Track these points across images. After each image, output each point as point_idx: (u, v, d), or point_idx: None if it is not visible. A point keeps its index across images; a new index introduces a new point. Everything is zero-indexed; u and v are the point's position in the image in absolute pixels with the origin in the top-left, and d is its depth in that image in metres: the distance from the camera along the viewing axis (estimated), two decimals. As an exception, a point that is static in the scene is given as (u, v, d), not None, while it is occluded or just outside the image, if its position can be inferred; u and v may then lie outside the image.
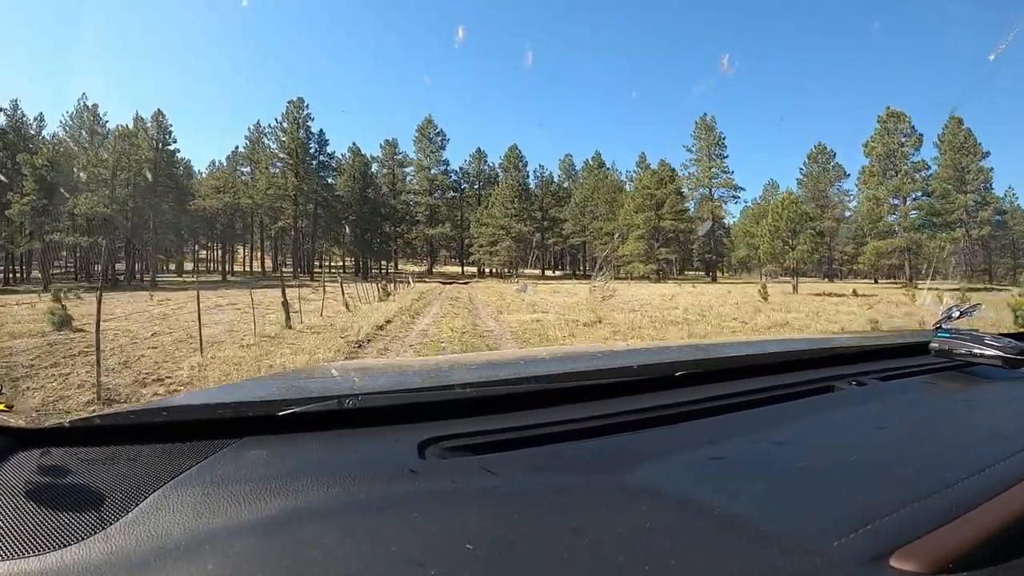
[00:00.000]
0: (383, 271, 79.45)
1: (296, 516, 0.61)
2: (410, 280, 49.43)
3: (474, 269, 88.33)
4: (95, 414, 0.81)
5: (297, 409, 0.83)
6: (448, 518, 0.61)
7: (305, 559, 0.53)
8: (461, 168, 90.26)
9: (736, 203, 79.27)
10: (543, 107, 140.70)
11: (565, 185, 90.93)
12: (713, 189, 76.55)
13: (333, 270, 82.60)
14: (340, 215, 76.01)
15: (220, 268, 71.70)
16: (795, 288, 40.24)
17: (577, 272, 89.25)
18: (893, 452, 0.87)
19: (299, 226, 73.39)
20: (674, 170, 71.71)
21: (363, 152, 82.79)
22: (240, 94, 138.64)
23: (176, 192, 64.69)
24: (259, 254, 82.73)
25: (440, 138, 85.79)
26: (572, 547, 0.56)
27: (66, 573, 0.55)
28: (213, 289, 39.09)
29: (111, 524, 0.60)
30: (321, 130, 75.55)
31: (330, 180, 78.57)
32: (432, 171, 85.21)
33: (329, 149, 76.52)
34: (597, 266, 67.96)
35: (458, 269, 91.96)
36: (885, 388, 1.25)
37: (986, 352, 1.31)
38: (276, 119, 73.75)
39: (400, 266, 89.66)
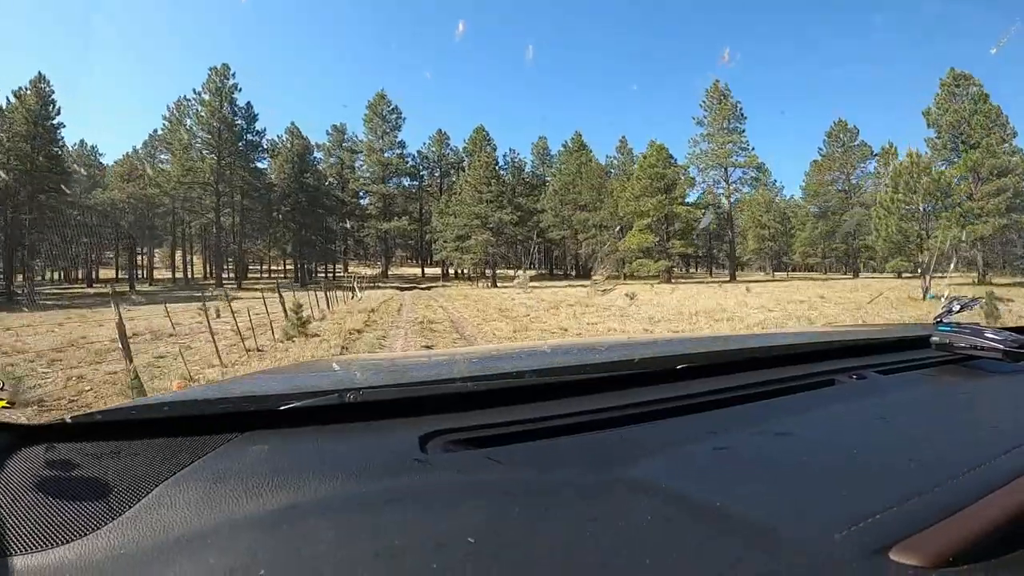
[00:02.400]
0: (328, 275, 67.34)
1: (298, 510, 0.61)
2: (356, 288, 38.08)
3: (437, 270, 76.80)
4: (97, 410, 0.82)
5: (298, 404, 0.84)
6: (450, 512, 0.62)
7: (307, 553, 0.54)
8: (420, 152, 79.28)
9: (756, 186, 66.90)
10: (513, 88, 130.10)
11: (539, 172, 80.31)
12: (730, 169, 64.75)
13: (274, 275, 70.50)
14: (274, 207, 63.64)
15: (129, 275, 58.51)
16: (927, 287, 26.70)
17: (556, 272, 78.37)
18: (894, 446, 0.88)
19: (221, 222, 60.75)
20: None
21: (304, 136, 70.62)
22: (167, 72, 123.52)
23: (62, 180, 51.32)
24: (183, 257, 69.35)
25: (395, 116, 74.48)
26: (574, 541, 0.57)
27: (69, 569, 0.56)
28: (94, 307, 28.38)
29: (114, 519, 0.61)
30: (249, 103, 63.12)
31: (262, 165, 66.53)
32: (386, 154, 73.55)
33: (260, 126, 64.03)
34: (599, 263, 57.20)
35: (418, 271, 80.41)
36: (886, 382, 1.26)
37: (987, 346, 1.31)
38: (195, 90, 60.70)
39: (351, 268, 77.83)
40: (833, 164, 65.75)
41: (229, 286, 52.15)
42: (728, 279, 58.49)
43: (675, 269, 59.65)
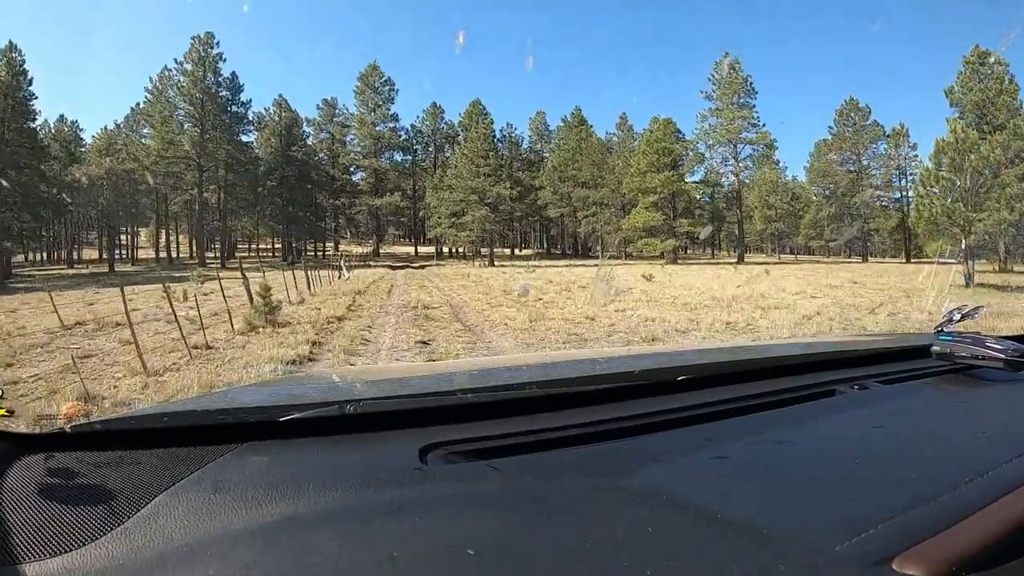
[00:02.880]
0: (318, 254, 65.12)
1: (297, 522, 0.61)
2: (344, 268, 35.59)
3: (430, 249, 74.40)
4: (96, 419, 0.83)
5: (298, 415, 0.84)
6: (450, 523, 0.62)
7: (306, 565, 0.54)
8: (413, 126, 76.28)
9: (765, 164, 62.86)
10: (509, 62, 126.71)
11: (537, 148, 77.46)
12: (739, 145, 61.32)
13: (263, 254, 67.99)
14: (260, 183, 61.10)
15: (109, 255, 55.78)
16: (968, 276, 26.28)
17: (553, 251, 76.01)
18: (895, 456, 0.89)
19: (205, 198, 58.14)
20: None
21: (292, 108, 67.59)
22: (155, 45, 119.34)
23: (35, 156, 48.40)
24: (167, 236, 66.43)
25: (388, 89, 71.18)
26: (575, 551, 0.57)
27: None
28: (64, 290, 26.56)
29: (113, 529, 0.61)
30: (234, 73, 59.75)
31: (249, 139, 63.71)
32: (378, 128, 70.47)
33: (245, 97, 60.81)
34: (598, 242, 54.67)
35: (411, 249, 77.98)
36: (887, 392, 1.27)
37: (988, 355, 1.31)
38: (176, 60, 57.52)
39: (342, 247, 75.33)
40: (844, 144, 62.72)
41: (214, 266, 50.04)
42: (736, 260, 56.28)
43: (680, 250, 57.18)
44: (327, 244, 75.46)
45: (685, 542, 0.59)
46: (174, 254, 64.95)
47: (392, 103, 71.33)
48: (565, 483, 0.73)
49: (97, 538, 0.60)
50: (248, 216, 63.86)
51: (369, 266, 52.33)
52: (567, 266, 45.81)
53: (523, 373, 1.41)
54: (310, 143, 70.81)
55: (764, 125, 61.26)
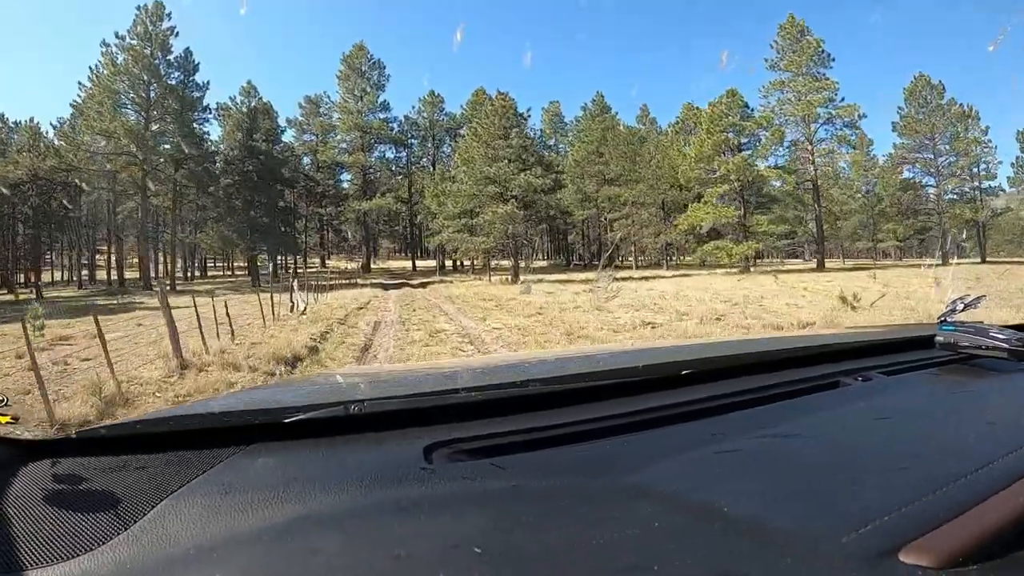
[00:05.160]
0: (298, 270, 53.88)
1: (304, 522, 0.62)
2: (297, 295, 21.84)
3: (430, 263, 63.39)
4: (102, 424, 0.84)
5: (303, 416, 0.85)
6: (457, 521, 0.62)
7: (313, 566, 0.55)
8: (408, 118, 65.75)
9: (848, 148, 50.29)
10: (516, 47, 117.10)
11: (551, 144, 66.87)
12: (812, 124, 48.47)
13: (240, 272, 56.89)
14: (214, 183, 49.43)
15: (35, 275, 44.40)
16: None
17: (575, 263, 64.79)
18: (900, 447, 0.89)
19: (149, 203, 46.73)
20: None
21: (262, 96, 56.55)
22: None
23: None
24: (118, 252, 54.65)
25: (377, 74, 60.84)
26: (581, 548, 0.57)
27: None
28: None
29: (119, 534, 0.62)
30: (188, 50, 48.58)
31: (211, 131, 52.72)
32: (366, 118, 59.84)
33: (202, 78, 49.65)
34: (630, 248, 42.86)
35: (407, 264, 66.87)
36: (891, 383, 1.27)
37: (992, 345, 1.32)
38: (117, 33, 46.27)
39: (332, 262, 64.39)
40: (920, 127, 52.50)
41: (179, 287, 39.50)
42: (816, 267, 45.00)
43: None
44: (308, 259, 64.47)
45: (691, 538, 0.59)
46: (113, 275, 52.67)
47: (382, 90, 61.22)
48: (570, 480, 0.73)
49: (105, 542, 0.61)
50: (206, 225, 52.04)
51: (357, 284, 41.33)
52: (625, 279, 35.05)
53: (526, 371, 1.45)
54: (286, 140, 60.02)
55: (843, 99, 48.64)
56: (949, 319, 1.50)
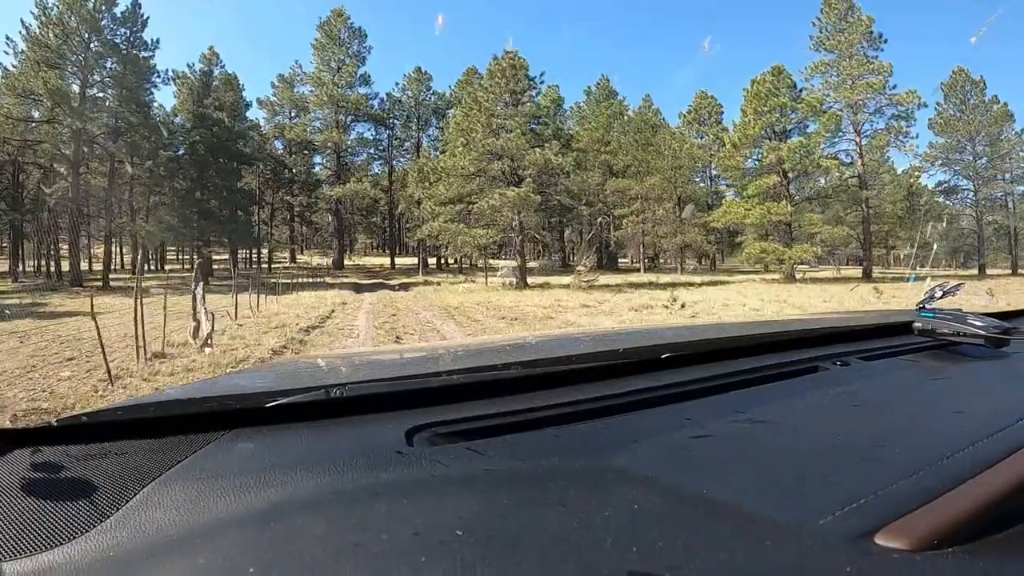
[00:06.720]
0: (256, 265, 46.92)
1: (286, 507, 0.63)
2: (203, 312, 14.20)
3: (411, 260, 56.77)
4: (82, 412, 0.84)
5: (284, 400, 0.85)
6: (437, 504, 0.63)
7: (295, 549, 0.55)
8: (390, 96, 58.71)
9: (906, 138, 41.64)
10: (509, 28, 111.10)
11: (548, 133, 60.46)
12: (860, 114, 41.29)
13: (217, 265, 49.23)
14: (159, 158, 41.48)
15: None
16: None
17: (568, 262, 58.40)
18: (877, 431, 0.90)
19: (82, 181, 39.24)
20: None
21: (223, 62, 49.34)
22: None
23: None
24: (44, 241, 46.77)
25: (357, 43, 54.04)
26: (560, 530, 0.58)
27: (58, 573, 0.57)
28: None
29: (101, 521, 0.62)
30: (136, 3, 41.07)
31: (159, 102, 45.11)
32: (343, 91, 52.84)
33: (150, 36, 42.25)
34: (637, 248, 36.42)
35: (386, 260, 60.10)
36: (868, 368, 1.30)
37: (969, 332, 1.36)
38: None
39: (303, 257, 57.60)
40: (960, 126, 47.35)
41: (115, 283, 34.01)
42: (862, 276, 38.63)
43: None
44: (277, 253, 57.40)
45: (669, 520, 0.60)
46: (43, 265, 44.75)
47: (362, 63, 54.35)
48: (550, 461, 0.74)
49: (86, 531, 0.61)
50: (156, 209, 44.59)
51: (326, 283, 34.60)
52: (648, 285, 28.69)
53: (508, 354, 1.45)
54: (255, 120, 52.83)
55: (895, 87, 41.05)
56: (928, 306, 1.53)
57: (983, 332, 1.33)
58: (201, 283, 9.42)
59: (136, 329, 7.73)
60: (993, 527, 0.60)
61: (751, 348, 1.35)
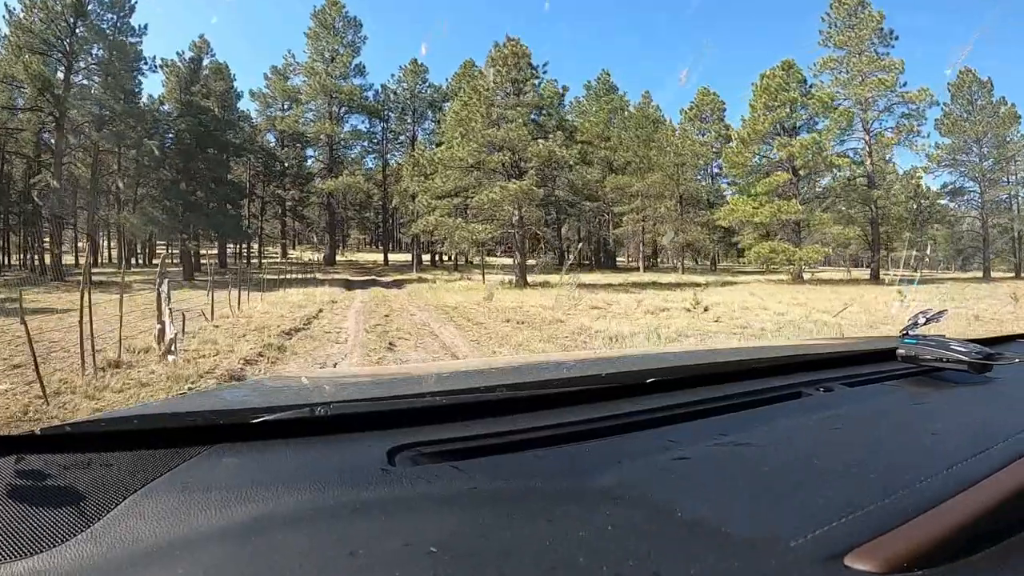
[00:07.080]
0: (246, 260, 45.57)
1: (267, 523, 0.63)
2: (168, 315, 12.99)
3: (404, 256, 55.45)
4: (66, 422, 0.84)
5: (269, 417, 0.85)
6: (416, 523, 0.63)
7: (276, 565, 0.55)
8: (385, 87, 57.33)
9: (918, 137, 40.62)
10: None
11: (552, 124, 59.12)
12: (869, 111, 39.57)
13: (204, 262, 48.00)
14: (146, 148, 39.35)
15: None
16: None
17: (568, 262, 57.03)
18: (856, 455, 0.91)
19: (65, 171, 37.71)
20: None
21: (214, 53, 47.90)
22: None
23: None
24: (36, 235, 45.20)
25: (352, 33, 52.58)
26: (541, 547, 0.59)
27: None
28: None
29: (82, 531, 0.62)
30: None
31: (146, 89, 43.73)
32: (337, 81, 51.39)
33: (138, 21, 40.97)
34: (637, 248, 35.13)
35: (379, 256, 58.80)
36: (852, 394, 1.31)
37: (952, 357, 1.36)
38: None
39: (296, 252, 56.48)
40: (967, 127, 46.17)
41: (99, 277, 30.72)
42: (869, 278, 37.86)
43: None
44: (268, 248, 55.96)
45: (645, 540, 0.61)
46: (11, 258, 43.44)
47: (357, 53, 52.99)
48: (531, 484, 0.75)
49: (66, 540, 0.61)
50: (142, 202, 42.94)
51: (315, 280, 33.20)
52: (653, 285, 27.55)
53: (492, 376, 1.46)
54: (247, 112, 51.29)
55: (905, 84, 39.59)
56: (911, 332, 1.54)
57: (966, 358, 1.33)
58: (167, 280, 8.19)
59: (82, 331, 6.53)
60: (965, 550, 0.61)
61: (736, 374, 1.35)
